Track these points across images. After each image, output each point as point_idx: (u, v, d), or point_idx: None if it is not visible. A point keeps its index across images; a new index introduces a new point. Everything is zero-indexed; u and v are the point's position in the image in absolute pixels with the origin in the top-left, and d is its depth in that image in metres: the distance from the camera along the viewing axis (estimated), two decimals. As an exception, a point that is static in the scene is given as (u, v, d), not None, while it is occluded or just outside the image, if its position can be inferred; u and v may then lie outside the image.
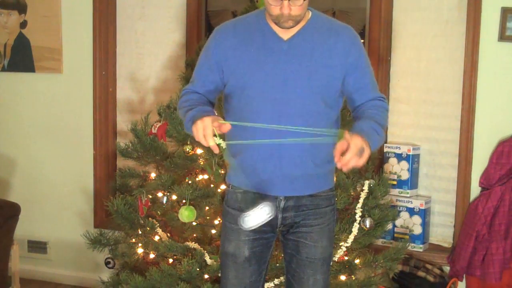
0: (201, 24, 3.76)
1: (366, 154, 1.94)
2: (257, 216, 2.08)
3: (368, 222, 2.80)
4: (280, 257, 2.70)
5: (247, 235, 2.22)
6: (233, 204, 2.26)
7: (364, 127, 2.05)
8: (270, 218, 2.08)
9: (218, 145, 2.01)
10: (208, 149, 2.83)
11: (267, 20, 2.14)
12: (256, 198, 2.21)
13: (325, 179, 2.26)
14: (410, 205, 3.32)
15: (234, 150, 2.23)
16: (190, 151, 2.87)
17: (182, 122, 2.19)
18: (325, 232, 2.26)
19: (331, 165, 2.25)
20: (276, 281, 2.72)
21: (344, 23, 2.23)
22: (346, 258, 2.82)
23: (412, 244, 3.28)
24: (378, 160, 3.34)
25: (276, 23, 2.09)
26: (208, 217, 2.85)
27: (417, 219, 3.31)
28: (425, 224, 3.31)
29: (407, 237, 3.31)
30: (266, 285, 2.72)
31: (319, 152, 2.19)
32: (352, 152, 1.90)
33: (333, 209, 2.30)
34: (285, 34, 2.13)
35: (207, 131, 1.96)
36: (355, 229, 2.79)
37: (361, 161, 1.93)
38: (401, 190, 3.35)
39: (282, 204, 2.20)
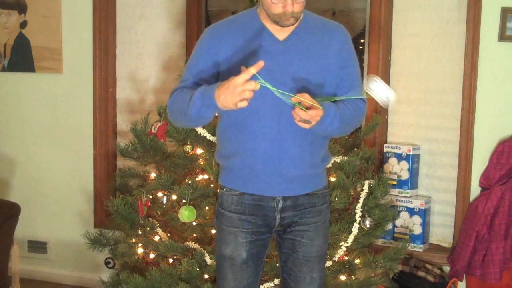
0: (201, 24, 3.76)
1: (307, 126, 2.02)
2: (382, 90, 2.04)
3: (368, 222, 2.80)
4: (280, 257, 2.70)
5: (244, 237, 2.21)
6: (229, 206, 2.24)
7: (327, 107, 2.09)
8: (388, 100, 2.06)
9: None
10: (208, 149, 2.83)
11: (262, 20, 2.13)
12: (253, 200, 2.20)
13: (320, 178, 2.28)
14: (410, 205, 3.32)
15: (230, 151, 2.21)
16: (190, 151, 2.87)
17: (183, 113, 2.07)
18: (321, 230, 2.28)
19: (325, 164, 2.30)
20: (276, 281, 2.72)
21: (335, 22, 2.26)
22: (346, 258, 2.82)
23: (412, 244, 3.28)
24: (378, 160, 3.34)
25: (276, 22, 2.07)
26: (208, 217, 2.85)
27: (417, 219, 3.31)
28: (425, 224, 3.31)
29: (407, 237, 3.31)
30: (266, 285, 2.72)
31: (317, 151, 2.21)
32: (307, 115, 1.97)
33: (327, 206, 2.32)
34: (280, 35, 2.13)
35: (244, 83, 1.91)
36: (355, 229, 2.79)
37: (301, 124, 2.01)
38: (401, 190, 3.35)
39: (280, 204, 2.20)
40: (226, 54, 2.12)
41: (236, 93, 1.90)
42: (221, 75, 2.15)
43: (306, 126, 2.01)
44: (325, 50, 2.14)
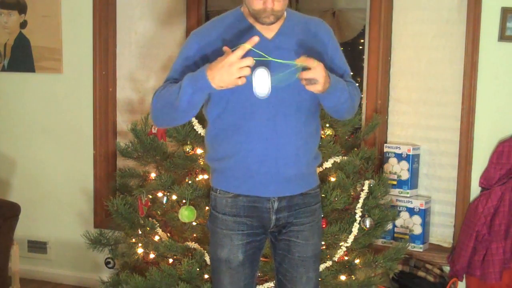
0: (201, 24, 3.75)
1: (317, 86, 1.98)
2: (262, 81, 1.95)
3: (368, 222, 2.80)
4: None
5: (240, 239, 2.20)
6: (223, 209, 2.21)
7: (336, 77, 2.09)
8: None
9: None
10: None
11: (249, 20, 2.13)
12: (248, 201, 2.19)
13: (313, 177, 2.29)
14: (410, 205, 3.32)
15: (224, 153, 2.18)
16: (190, 151, 2.87)
17: (171, 107, 2.02)
18: (315, 229, 2.28)
19: (317, 162, 2.30)
20: (276, 281, 2.72)
21: (314, 17, 2.29)
22: (346, 258, 2.82)
23: (412, 244, 3.28)
24: (378, 160, 3.34)
25: (256, 18, 2.07)
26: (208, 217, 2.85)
27: (417, 219, 3.31)
28: (425, 224, 3.31)
29: (407, 237, 3.31)
30: (266, 285, 2.72)
31: (310, 148, 2.22)
32: (311, 74, 1.95)
33: (320, 205, 2.33)
34: (268, 33, 2.12)
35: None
36: (355, 229, 2.79)
37: (311, 87, 1.98)
38: (401, 190, 3.35)
39: (275, 205, 2.19)
40: (216, 53, 2.05)
41: (233, 70, 1.89)
42: None
43: (318, 87, 1.98)
44: (313, 43, 2.16)
